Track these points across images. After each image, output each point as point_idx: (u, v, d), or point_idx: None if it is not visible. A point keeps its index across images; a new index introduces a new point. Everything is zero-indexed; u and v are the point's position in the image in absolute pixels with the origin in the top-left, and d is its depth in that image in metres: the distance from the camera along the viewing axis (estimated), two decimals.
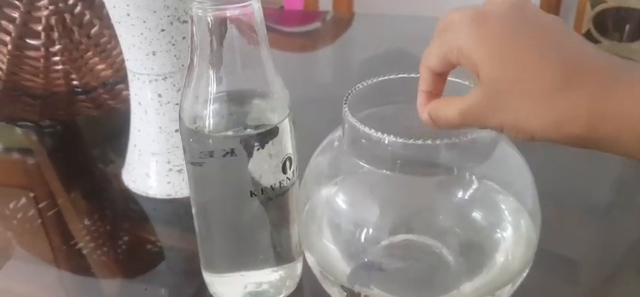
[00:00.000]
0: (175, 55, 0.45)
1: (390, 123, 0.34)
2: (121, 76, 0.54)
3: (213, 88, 0.32)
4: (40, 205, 0.50)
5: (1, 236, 0.47)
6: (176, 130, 0.47)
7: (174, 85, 0.46)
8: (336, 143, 0.34)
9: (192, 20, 0.31)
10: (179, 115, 0.33)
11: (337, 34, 0.93)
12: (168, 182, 0.48)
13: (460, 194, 0.32)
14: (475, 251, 0.33)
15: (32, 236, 0.47)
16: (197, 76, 0.32)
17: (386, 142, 0.29)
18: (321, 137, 0.35)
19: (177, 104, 0.47)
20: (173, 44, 0.45)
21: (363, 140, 0.30)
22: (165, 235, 0.47)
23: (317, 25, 0.97)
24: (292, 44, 0.86)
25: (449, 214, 0.33)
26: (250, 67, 0.33)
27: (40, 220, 0.48)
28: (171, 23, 0.44)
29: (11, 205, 0.50)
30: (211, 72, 0.32)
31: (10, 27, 0.50)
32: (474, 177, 0.32)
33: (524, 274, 0.32)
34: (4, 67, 0.51)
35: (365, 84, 0.34)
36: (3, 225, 0.49)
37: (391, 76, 0.35)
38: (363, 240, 0.32)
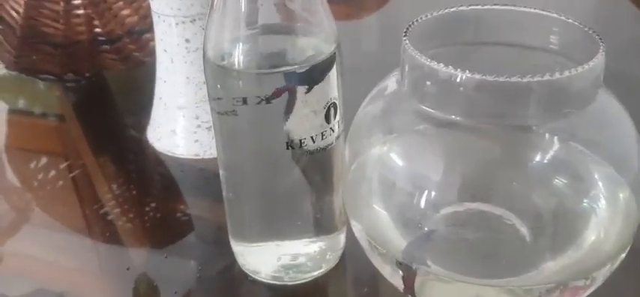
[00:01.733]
0: None
1: (453, 65, 0.28)
2: (147, 23, 0.50)
3: (245, 17, 0.27)
4: (62, 166, 0.46)
5: (21, 198, 0.44)
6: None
7: (203, 29, 0.41)
8: (391, 88, 0.28)
9: None
10: (203, 51, 0.28)
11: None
12: (196, 140, 0.44)
13: (542, 155, 0.27)
14: (558, 225, 0.27)
15: (53, 199, 0.44)
16: (225, 5, 0.27)
17: (458, 80, 0.23)
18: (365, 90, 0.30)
19: None
20: None
21: (428, 82, 0.25)
22: (192, 201, 0.42)
23: None
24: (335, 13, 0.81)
25: (527, 179, 0.27)
26: None
27: (61, 182, 0.45)
28: None
29: (32, 165, 0.47)
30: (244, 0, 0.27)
31: None
32: (562, 134, 0.26)
33: (622, 257, 0.26)
34: (21, 10, 0.47)
35: (428, 16, 0.28)
36: (22, 186, 0.46)
37: (461, 8, 0.29)
38: (422, 206, 0.26)
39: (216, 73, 0.28)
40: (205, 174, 0.44)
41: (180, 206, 0.41)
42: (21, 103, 0.58)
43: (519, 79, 0.22)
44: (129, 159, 0.48)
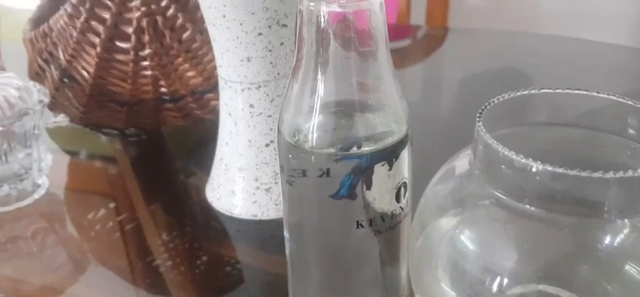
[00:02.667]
0: (271, 62, 0.42)
1: (524, 147, 0.29)
2: (210, 84, 0.52)
3: (320, 97, 0.28)
4: (120, 218, 0.48)
5: (78, 247, 0.46)
6: (266, 145, 0.44)
7: (267, 95, 0.43)
8: (462, 168, 0.28)
9: (301, 15, 0.27)
10: (277, 128, 0.30)
11: (430, 50, 0.88)
12: (255, 202, 0.45)
13: (613, 241, 0.26)
14: None
15: (109, 249, 0.45)
16: (301, 82, 0.28)
17: (534, 169, 0.24)
18: (423, 164, 0.30)
19: (269, 116, 0.43)
20: (270, 50, 0.41)
21: (503, 166, 0.25)
22: (248, 260, 0.43)
23: (407, 42, 0.92)
24: None
25: (599, 265, 0.27)
26: (366, 72, 0.28)
27: (118, 233, 0.47)
28: (270, 27, 0.40)
29: (90, 216, 0.49)
30: (320, 78, 0.28)
31: (100, 28, 0.49)
32: (634, 222, 0.26)
33: None
34: (91, 70, 0.50)
35: (501, 99, 0.29)
36: (81, 236, 0.47)
37: (532, 91, 0.29)
38: (494, 289, 0.26)
39: (288, 147, 0.29)
40: (261, 235, 0.45)
41: (233, 262, 0.42)
42: (83, 155, 0.61)
43: (600, 176, 0.22)
44: (186, 214, 0.49)
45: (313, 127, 0.28)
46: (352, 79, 0.28)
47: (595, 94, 0.29)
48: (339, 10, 0.27)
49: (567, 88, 0.30)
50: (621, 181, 0.23)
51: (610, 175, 0.22)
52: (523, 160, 0.24)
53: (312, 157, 0.28)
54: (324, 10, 0.27)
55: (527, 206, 0.25)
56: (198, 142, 0.58)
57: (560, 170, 0.23)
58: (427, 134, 0.57)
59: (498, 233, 0.27)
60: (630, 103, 0.28)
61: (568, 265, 0.28)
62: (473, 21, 1.43)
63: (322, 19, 0.27)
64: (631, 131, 0.29)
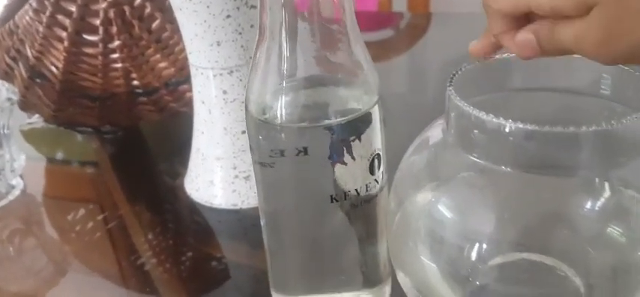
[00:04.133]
0: (242, 46, 0.41)
1: (499, 113, 0.28)
2: (183, 75, 0.51)
3: (286, 71, 0.27)
4: (100, 217, 0.47)
5: (59, 249, 0.45)
6: (243, 132, 0.43)
7: (240, 81, 0.42)
8: (436, 137, 0.28)
9: None
10: (245, 106, 0.29)
11: (413, 39, 0.88)
12: (234, 191, 0.44)
13: (597, 203, 0.26)
14: (614, 278, 0.26)
15: (91, 250, 0.44)
16: (267, 56, 0.28)
17: (507, 129, 0.23)
18: (403, 143, 0.30)
19: (243, 102, 0.43)
20: (240, 33, 0.41)
21: (476, 131, 0.25)
22: (231, 251, 0.43)
23: (390, 32, 0.92)
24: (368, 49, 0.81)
25: (580, 229, 0.27)
26: (332, 44, 0.28)
27: (99, 233, 0.46)
28: (238, 8, 0.40)
29: (69, 217, 0.48)
30: (285, 51, 0.27)
31: (67, 22, 0.48)
32: (617, 181, 0.25)
33: None
34: (60, 65, 0.49)
35: (471, 65, 0.28)
36: (61, 238, 0.46)
37: (504, 56, 0.29)
38: (473, 258, 0.26)
39: (258, 126, 0.29)
40: (243, 224, 0.45)
41: (217, 255, 0.42)
42: (59, 155, 0.60)
43: (573, 130, 0.22)
44: (166, 209, 0.48)
45: (282, 103, 0.28)
46: (319, 50, 0.28)
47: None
48: None
49: None
50: (595, 135, 0.22)
51: (583, 129, 0.22)
52: (495, 120, 0.23)
53: (283, 134, 0.28)
54: None
55: (503, 167, 0.24)
56: (176, 135, 0.58)
57: (531, 127, 0.23)
58: (409, 120, 0.57)
59: (475, 199, 0.27)
60: None
61: (548, 228, 0.27)
62: (455, 4, 1.43)
63: None
64: (605, 91, 0.28)
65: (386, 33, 0.91)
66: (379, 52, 0.82)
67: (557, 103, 0.30)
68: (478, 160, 0.25)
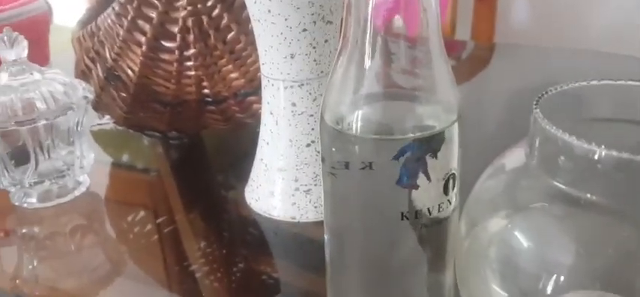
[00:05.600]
0: (315, 60, 0.41)
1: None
2: (253, 86, 0.52)
3: (366, 83, 0.27)
4: (158, 221, 0.48)
5: (115, 249, 0.46)
6: (307, 145, 0.43)
7: (309, 94, 0.42)
8: (516, 162, 0.27)
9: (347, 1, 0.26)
10: (320, 115, 0.29)
11: (476, 69, 0.86)
12: (294, 203, 0.44)
13: None
14: None
15: (146, 253, 0.45)
16: (346, 67, 0.27)
17: (596, 157, 0.22)
18: (470, 167, 0.28)
19: (311, 115, 0.43)
20: (314, 47, 0.41)
21: (562, 157, 0.23)
22: (284, 264, 0.42)
23: (451, 62, 0.90)
24: None
25: None
26: (414, 59, 0.27)
27: (156, 236, 0.46)
28: (315, 22, 0.40)
29: (129, 219, 0.49)
30: (366, 63, 0.27)
31: (147, 27, 0.49)
32: None
33: None
34: (136, 69, 0.50)
35: (559, 88, 0.27)
36: (118, 238, 0.47)
37: (593, 82, 0.28)
38: (548, 290, 0.24)
39: (332, 136, 0.28)
40: (299, 239, 0.44)
41: (269, 268, 0.41)
42: (124, 158, 0.61)
43: None
44: (222, 218, 0.48)
45: (358, 114, 0.27)
46: (400, 64, 0.27)
47: None
48: None
49: (630, 80, 0.28)
50: None
51: None
52: (585, 146, 0.22)
53: (356, 146, 0.27)
54: None
55: (588, 196, 0.23)
56: (238, 146, 0.58)
57: (625, 156, 0.21)
58: (471, 143, 0.55)
59: (556, 228, 0.25)
60: None
61: (630, 267, 0.26)
62: (520, 34, 1.40)
63: (369, 4, 0.26)
64: None
65: (452, 57, 0.90)
66: None
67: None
68: (563, 187, 0.24)
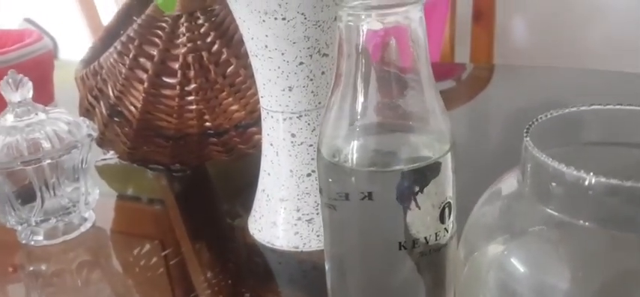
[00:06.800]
0: (312, 91, 0.42)
1: (577, 167, 0.27)
2: (253, 118, 0.52)
3: (359, 116, 0.28)
4: (164, 253, 0.48)
5: (122, 283, 0.46)
6: (308, 175, 0.44)
7: (308, 125, 0.43)
8: (510, 188, 0.27)
9: (340, 31, 0.27)
10: (317, 148, 0.29)
11: (477, 88, 0.87)
12: (296, 233, 0.44)
13: None
14: None
15: (152, 286, 0.45)
16: (341, 101, 0.28)
17: (587, 183, 0.22)
18: (467, 191, 0.29)
19: (310, 145, 0.43)
20: (311, 79, 0.41)
21: (554, 183, 0.24)
22: (289, 293, 0.42)
23: (451, 83, 0.91)
24: None
25: None
26: (406, 91, 0.28)
27: (162, 269, 0.47)
28: (311, 56, 0.41)
29: (134, 252, 0.49)
30: (359, 96, 0.27)
31: (148, 64, 0.50)
32: None
33: None
34: (139, 105, 0.51)
35: (549, 115, 0.27)
36: (125, 272, 0.48)
37: (582, 108, 0.28)
38: None
39: (329, 168, 0.29)
40: (303, 267, 0.44)
41: None
42: (129, 191, 0.62)
43: None
44: (227, 248, 0.49)
45: (354, 147, 0.28)
46: (392, 96, 0.28)
47: None
48: (379, 26, 0.26)
49: (619, 104, 0.28)
50: None
51: None
52: (575, 173, 0.23)
53: (353, 178, 0.28)
54: (363, 26, 0.26)
55: (581, 222, 0.23)
56: (241, 177, 0.59)
57: (614, 182, 0.22)
58: (471, 170, 0.56)
59: (550, 253, 0.25)
60: None
61: (625, 289, 0.26)
62: (519, 55, 1.41)
63: (361, 36, 0.27)
64: None
65: (447, 83, 0.91)
66: (445, 95, 0.82)
67: (636, 159, 0.29)
68: (555, 214, 0.24)
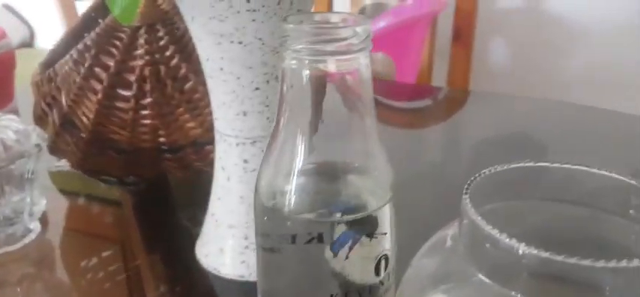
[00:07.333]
0: (268, 117, 0.41)
1: (516, 223, 0.26)
2: (210, 136, 0.51)
3: (300, 160, 0.27)
4: (111, 268, 0.47)
5: (66, 295, 0.45)
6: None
7: (262, 151, 0.41)
8: (448, 243, 0.26)
9: (283, 74, 0.26)
10: (255, 188, 0.28)
11: (450, 112, 0.87)
12: (243, 262, 0.43)
13: None
14: None
15: None
16: (282, 144, 0.27)
17: (519, 252, 0.22)
18: (425, 229, 0.28)
19: None
20: (267, 105, 0.40)
21: (487, 245, 0.23)
22: None
23: (429, 101, 0.91)
24: (401, 119, 0.81)
25: None
26: (349, 136, 0.27)
27: (107, 285, 0.45)
28: (268, 82, 0.40)
29: (82, 263, 0.48)
30: (300, 139, 0.26)
31: (103, 75, 0.49)
32: None
33: None
34: (91, 116, 0.49)
35: (490, 171, 0.27)
36: (72, 283, 0.46)
37: (524, 164, 0.27)
38: None
39: (265, 211, 0.28)
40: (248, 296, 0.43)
41: None
42: (81, 201, 0.60)
43: (593, 264, 0.20)
44: (176, 273, 0.47)
45: (291, 192, 0.27)
46: (335, 141, 0.27)
47: (595, 171, 0.27)
48: (324, 70, 0.26)
49: (566, 163, 0.28)
50: (616, 272, 0.21)
51: (601, 263, 0.20)
52: (507, 241, 0.22)
53: (289, 222, 0.27)
54: (306, 70, 0.25)
55: (513, 293, 0.22)
56: (197, 193, 0.57)
57: (545, 255, 0.21)
58: (436, 196, 0.55)
59: None
60: (633, 183, 0.26)
61: None
62: (495, 84, 1.42)
63: (305, 79, 0.26)
64: (634, 213, 0.26)
65: (424, 102, 0.91)
66: (416, 119, 0.82)
67: (582, 218, 0.29)
68: (486, 280, 0.23)
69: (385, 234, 0.27)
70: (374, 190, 0.27)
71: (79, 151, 0.52)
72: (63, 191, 0.60)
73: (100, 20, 0.55)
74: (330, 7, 1.29)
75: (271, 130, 0.41)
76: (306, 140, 0.26)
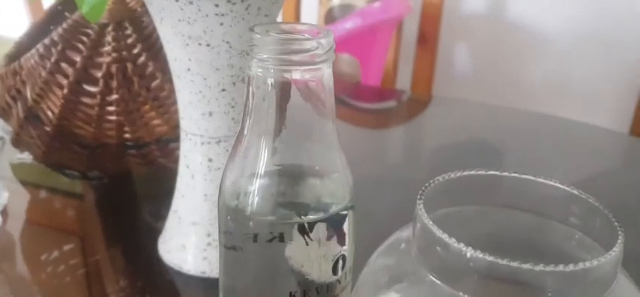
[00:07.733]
0: (233, 118, 0.42)
1: (467, 227, 0.28)
2: (176, 133, 0.51)
3: (263, 162, 0.28)
4: (72, 262, 0.47)
5: (28, 290, 0.44)
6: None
7: (226, 151, 0.42)
8: (403, 245, 0.28)
9: (249, 80, 0.27)
10: (220, 188, 0.29)
11: (412, 115, 0.89)
12: (205, 258, 0.44)
13: None
14: None
15: (57, 293, 0.44)
16: (246, 146, 0.28)
17: (467, 256, 0.23)
18: (383, 228, 0.30)
19: None
20: (232, 106, 0.41)
21: (438, 248, 0.24)
22: None
23: (392, 103, 0.93)
24: (364, 120, 0.83)
25: None
26: (311, 141, 0.28)
27: (68, 278, 0.45)
28: (234, 84, 0.40)
29: (43, 258, 0.47)
30: (264, 143, 0.27)
31: (70, 70, 0.49)
32: None
33: None
34: (56, 111, 0.49)
35: (444, 178, 0.28)
36: (32, 277, 0.46)
37: (476, 172, 0.29)
38: None
39: (229, 211, 0.29)
40: (210, 293, 0.44)
41: None
42: (43, 194, 0.60)
43: (532, 268, 0.22)
44: (137, 269, 0.48)
45: (254, 193, 0.28)
46: (297, 146, 0.28)
47: (541, 180, 0.29)
48: (288, 77, 0.27)
49: (515, 172, 0.29)
50: (556, 275, 0.22)
51: (541, 267, 0.22)
52: (456, 245, 0.23)
53: (251, 223, 0.28)
54: (271, 78, 0.26)
55: (461, 294, 0.24)
56: (161, 190, 0.58)
57: (490, 258, 0.22)
58: (395, 199, 0.57)
59: None
60: (575, 192, 0.28)
61: None
62: (458, 90, 1.45)
63: (270, 86, 0.27)
64: (575, 220, 0.28)
65: (388, 104, 0.93)
66: (379, 121, 0.84)
67: (529, 224, 0.30)
68: (437, 281, 0.25)
69: (344, 235, 0.28)
70: (334, 193, 0.28)
71: (42, 145, 0.52)
72: (25, 183, 0.59)
73: (66, 14, 0.54)
74: (297, 10, 1.30)
75: (236, 130, 0.42)
76: (270, 143, 0.27)
